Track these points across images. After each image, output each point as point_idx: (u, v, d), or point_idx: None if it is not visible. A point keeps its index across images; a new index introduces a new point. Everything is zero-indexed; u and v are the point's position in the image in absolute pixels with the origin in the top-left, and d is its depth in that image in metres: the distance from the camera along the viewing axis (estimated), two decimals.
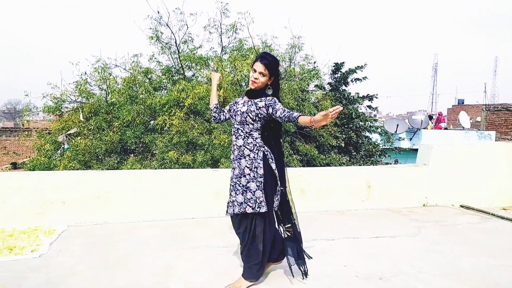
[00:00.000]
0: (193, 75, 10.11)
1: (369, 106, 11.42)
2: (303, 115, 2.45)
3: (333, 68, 11.03)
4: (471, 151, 5.51)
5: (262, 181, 2.61)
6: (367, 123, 10.79)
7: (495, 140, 13.71)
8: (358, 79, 11.02)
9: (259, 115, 2.62)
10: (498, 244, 3.73)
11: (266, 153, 2.66)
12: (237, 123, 2.69)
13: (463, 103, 36.22)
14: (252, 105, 2.64)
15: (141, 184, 4.33)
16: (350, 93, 10.93)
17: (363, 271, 3.03)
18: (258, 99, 2.66)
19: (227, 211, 2.74)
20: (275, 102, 2.61)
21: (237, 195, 2.64)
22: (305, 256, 2.83)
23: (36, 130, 11.33)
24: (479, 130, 15.15)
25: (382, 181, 5.10)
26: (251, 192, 2.60)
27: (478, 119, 25.02)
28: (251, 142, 2.65)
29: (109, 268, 3.00)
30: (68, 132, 8.92)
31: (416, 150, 12.90)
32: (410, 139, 13.13)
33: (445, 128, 16.80)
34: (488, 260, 3.28)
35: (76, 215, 4.09)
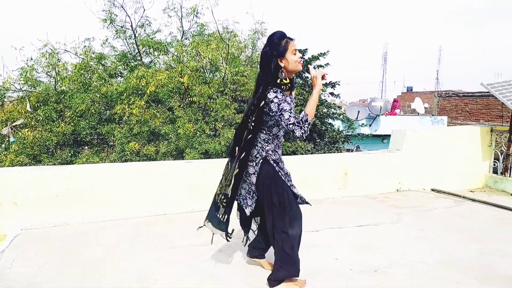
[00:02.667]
0: (151, 61, 9.52)
1: (332, 93, 11.45)
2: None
3: None
4: (440, 136, 5.58)
5: None
6: (330, 110, 10.81)
7: (447, 125, 14.37)
8: (320, 66, 10.98)
9: None
10: (481, 228, 3.75)
11: None
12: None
13: (412, 90, 37.89)
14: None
15: (105, 179, 3.90)
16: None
17: (356, 263, 2.89)
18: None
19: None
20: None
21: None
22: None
23: None
24: (432, 115, 15.82)
25: (358, 168, 5.02)
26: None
27: (426, 105, 26.25)
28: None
29: (77, 277, 2.61)
30: (14, 124, 8.07)
31: (376, 136, 13.24)
32: (370, 125, 13.41)
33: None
34: (477, 246, 3.26)
35: (30, 216, 3.60)
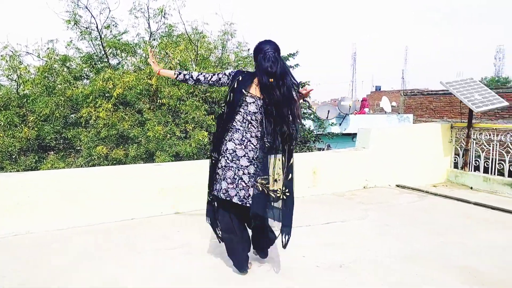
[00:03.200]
0: (118, 63, 9.34)
1: None
2: None
3: None
4: (404, 133, 5.79)
5: None
6: (301, 110, 10.95)
7: (413, 122, 14.87)
8: (290, 66, 11.10)
9: None
10: (443, 222, 3.92)
11: None
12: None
13: (380, 89, 38.91)
14: None
15: (69, 184, 3.80)
16: None
17: (323, 260, 2.96)
18: None
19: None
20: None
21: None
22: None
23: None
24: (398, 113, 16.34)
25: (326, 166, 5.12)
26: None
27: (393, 103, 27.01)
28: None
29: (39, 287, 2.54)
30: None
31: (346, 134, 13.51)
32: (340, 124, 13.68)
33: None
34: (437, 238, 3.41)
35: None
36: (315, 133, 10.98)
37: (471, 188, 5.44)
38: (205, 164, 4.04)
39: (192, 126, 7.67)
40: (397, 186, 5.56)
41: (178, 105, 7.80)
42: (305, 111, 11.12)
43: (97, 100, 7.62)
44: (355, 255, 3.05)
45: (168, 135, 7.31)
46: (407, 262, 2.91)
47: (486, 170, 5.51)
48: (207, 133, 7.36)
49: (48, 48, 8.42)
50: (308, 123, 11.69)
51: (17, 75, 8.14)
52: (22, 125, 7.61)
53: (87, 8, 8.48)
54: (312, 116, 11.58)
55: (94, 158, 7.17)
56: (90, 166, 6.88)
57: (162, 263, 2.90)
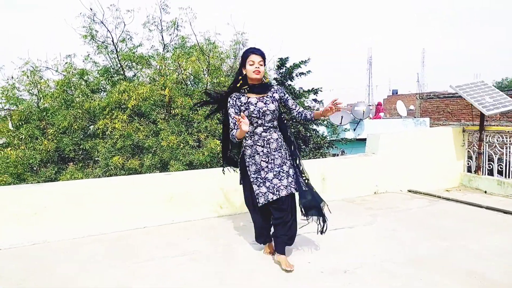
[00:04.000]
0: (134, 75, 9.62)
1: (315, 100, 11.63)
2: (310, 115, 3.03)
3: (278, 63, 11.07)
4: (414, 138, 5.75)
5: None
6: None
7: (430, 126, 14.66)
8: (302, 73, 11.17)
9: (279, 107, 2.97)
10: (451, 226, 3.89)
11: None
12: (267, 121, 2.91)
13: (397, 93, 38.42)
14: (274, 100, 2.93)
15: (85, 195, 3.95)
16: (295, 88, 11.05)
17: (327, 265, 2.99)
18: (271, 92, 2.96)
19: (266, 199, 2.85)
20: (283, 90, 3.03)
21: (282, 180, 2.86)
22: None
23: None
24: (415, 117, 16.13)
25: (335, 172, 5.14)
26: (291, 177, 2.91)
27: (411, 107, 26.65)
28: (280, 134, 3.00)
29: None
30: None
31: (360, 139, 13.44)
32: (354, 129, 13.62)
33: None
34: (445, 243, 3.39)
35: (9, 235, 3.63)
36: (328, 139, 10.96)
37: (485, 192, 5.36)
38: (215, 172, 4.14)
39: (205, 135, 7.81)
40: (409, 191, 5.52)
41: (191, 115, 7.97)
42: None
43: (113, 111, 7.87)
44: (360, 260, 3.07)
45: (182, 144, 7.47)
46: (412, 267, 2.91)
47: (500, 173, 5.42)
48: (219, 141, 7.48)
49: (66, 63, 8.79)
50: (321, 129, 11.70)
51: (37, 89, 8.49)
52: (42, 137, 7.91)
53: (102, 23, 8.81)
54: (325, 122, 11.57)
55: (111, 168, 7.39)
56: (107, 176, 7.08)
57: (170, 270, 2.99)
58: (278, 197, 2.84)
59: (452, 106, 15.34)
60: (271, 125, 2.94)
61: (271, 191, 2.85)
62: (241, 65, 2.92)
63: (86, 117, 8.33)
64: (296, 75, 11.11)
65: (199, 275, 2.89)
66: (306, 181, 3.03)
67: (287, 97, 3.02)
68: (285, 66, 11.12)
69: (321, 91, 11.36)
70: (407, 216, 4.31)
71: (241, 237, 3.69)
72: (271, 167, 2.89)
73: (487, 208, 4.44)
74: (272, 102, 2.91)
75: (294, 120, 10.04)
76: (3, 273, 3.03)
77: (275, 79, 11.14)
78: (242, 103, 2.90)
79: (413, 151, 5.62)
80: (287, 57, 11.12)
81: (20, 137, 7.86)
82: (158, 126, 7.83)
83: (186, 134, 7.74)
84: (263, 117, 2.89)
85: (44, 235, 3.75)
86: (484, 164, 5.57)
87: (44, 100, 8.36)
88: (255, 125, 2.91)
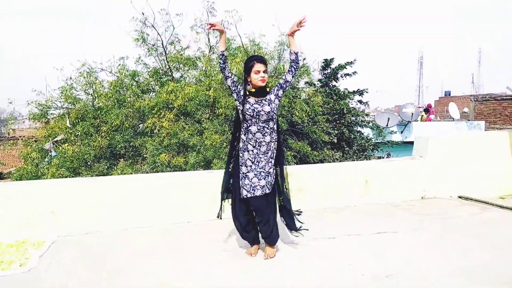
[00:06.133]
0: (181, 76, 9.95)
1: (360, 101, 11.38)
2: (291, 54, 3.14)
3: (323, 64, 10.96)
4: (466, 142, 5.46)
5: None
6: (358, 118, 10.75)
7: (485, 130, 13.82)
8: (348, 74, 10.98)
9: (277, 107, 3.07)
10: (502, 236, 3.66)
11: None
12: (262, 122, 3.02)
13: (450, 94, 36.47)
14: (271, 102, 3.04)
15: (134, 189, 4.17)
16: (340, 89, 10.88)
17: (369, 269, 2.94)
18: (268, 95, 3.07)
19: (242, 194, 3.04)
20: (278, 84, 3.12)
21: (260, 180, 3.02)
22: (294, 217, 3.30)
23: (22, 139, 11.04)
24: (468, 120, 15.26)
25: (379, 175, 5.01)
26: (271, 177, 3.09)
27: (466, 110, 25.20)
28: (274, 136, 3.10)
29: (103, 282, 2.85)
30: (55, 139, 8.68)
31: (408, 143, 12.95)
32: (401, 132, 13.15)
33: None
34: (495, 254, 3.20)
35: (66, 225, 3.91)
36: (373, 141, 10.68)
37: None
38: None
39: None
40: (459, 197, 5.25)
41: (234, 115, 8.10)
42: (363, 118, 10.89)
43: (161, 111, 8.20)
44: (403, 266, 2.98)
45: (225, 143, 7.62)
46: (457, 276, 2.78)
47: None
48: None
49: (119, 65, 9.28)
50: (366, 131, 11.43)
51: (92, 89, 9.04)
52: (96, 134, 8.40)
53: (153, 26, 9.20)
54: (370, 124, 11.29)
55: (158, 165, 7.70)
56: (154, 172, 7.40)
57: (212, 266, 3.08)
58: (252, 195, 3.02)
59: (511, 109, 14.33)
60: (266, 126, 3.04)
61: (246, 189, 3.04)
62: (245, 72, 3.06)
63: (136, 116, 8.74)
64: (341, 76, 10.94)
65: (240, 272, 2.95)
66: (285, 189, 3.22)
67: (276, 86, 3.13)
68: (330, 67, 10.99)
69: (366, 92, 11.10)
70: (456, 223, 4.11)
71: (280, 235, 3.71)
72: (254, 167, 3.06)
73: None
74: (269, 104, 3.03)
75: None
76: (62, 259, 3.28)
77: (319, 80, 11.04)
78: (241, 94, 3.07)
79: (465, 156, 5.34)
80: (332, 58, 10.99)
81: (76, 134, 8.41)
82: (203, 125, 8.05)
83: (229, 133, 7.89)
84: (257, 117, 3.01)
85: (97, 226, 4.00)
86: None
87: (98, 99, 8.88)
88: (249, 123, 3.04)
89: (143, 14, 9.15)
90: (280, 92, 3.10)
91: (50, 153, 8.48)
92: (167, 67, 9.54)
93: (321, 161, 8.74)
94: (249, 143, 3.06)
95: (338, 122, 10.20)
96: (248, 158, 3.06)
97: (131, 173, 7.76)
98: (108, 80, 9.26)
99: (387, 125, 12.05)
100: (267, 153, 3.06)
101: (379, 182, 4.99)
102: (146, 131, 8.39)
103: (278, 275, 2.88)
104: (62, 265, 3.14)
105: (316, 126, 9.15)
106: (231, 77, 3.05)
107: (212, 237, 3.75)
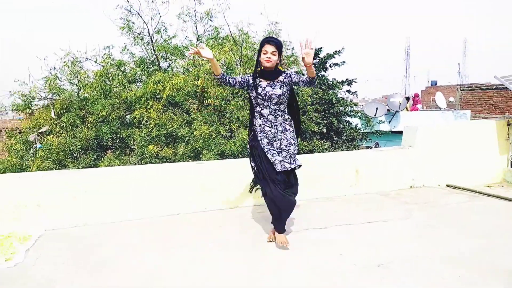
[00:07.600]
0: (168, 66, 9.79)
1: (348, 91, 11.40)
2: (305, 74, 3.00)
3: None
4: (454, 131, 5.52)
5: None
6: (347, 107, 10.78)
7: (471, 119, 14.02)
8: (336, 64, 10.97)
9: (288, 91, 3.16)
10: (491, 223, 3.72)
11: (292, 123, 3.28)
12: (273, 104, 3.12)
13: (436, 84, 36.83)
14: (283, 85, 3.11)
15: (122, 181, 4.09)
16: (328, 79, 10.87)
17: (360, 259, 2.94)
18: (281, 78, 3.11)
19: (282, 167, 3.12)
20: (292, 72, 3.15)
21: (286, 158, 3.15)
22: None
23: (5, 130, 10.79)
24: (455, 110, 15.45)
25: (369, 165, 5.03)
26: (294, 155, 3.22)
27: (451, 99, 25.49)
28: (288, 118, 3.22)
29: (90, 274, 2.79)
30: (40, 131, 8.49)
31: (396, 132, 13.07)
32: (389, 121, 13.25)
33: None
34: (484, 241, 3.25)
35: (53, 218, 3.82)
36: (362, 131, 10.74)
37: None
38: (247, 162, 4.17)
39: (237, 125, 7.86)
40: (447, 186, 5.31)
41: (223, 105, 8.03)
42: (350, 108, 10.92)
43: (148, 101, 8.07)
44: (394, 255, 3.00)
45: (214, 134, 7.56)
46: (447, 264, 2.81)
47: None
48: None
49: (104, 54, 9.05)
50: (355, 121, 11.48)
51: (77, 79, 8.82)
52: (82, 125, 8.24)
53: (139, 14, 8.99)
54: (358, 113, 11.33)
55: (146, 156, 7.61)
56: (143, 164, 7.30)
57: (201, 257, 3.05)
58: (294, 166, 3.18)
59: (496, 99, 14.54)
60: (277, 109, 3.14)
61: (286, 160, 3.14)
62: (258, 53, 3.13)
63: (123, 107, 8.59)
64: (330, 66, 10.92)
65: (229, 263, 2.93)
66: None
67: (291, 73, 3.14)
68: (318, 57, 10.95)
69: (355, 82, 11.13)
70: (445, 211, 4.16)
71: (271, 227, 3.69)
72: (278, 146, 3.16)
73: None
74: (280, 88, 3.10)
75: (325, 111, 9.90)
76: (49, 252, 3.20)
77: None
78: (250, 82, 3.13)
79: (453, 145, 5.39)
80: (321, 47, 10.95)
81: (62, 125, 8.23)
82: (191, 116, 7.96)
83: (218, 124, 7.82)
84: (269, 100, 3.10)
85: (85, 218, 3.92)
86: None
87: (84, 89, 8.68)
88: (261, 107, 3.14)
89: (128, 1, 8.93)
90: (294, 78, 3.09)
91: (35, 145, 8.30)
92: (154, 56, 9.37)
93: (311, 151, 8.75)
94: (265, 125, 3.16)
95: (327, 112, 10.20)
96: (269, 138, 3.16)
97: (119, 165, 7.65)
98: (94, 70, 9.03)
99: (375, 115, 12.13)
100: (286, 132, 3.18)
101: (369, 171, 5.01)
102: (133, 122, 8.26)
103: (269, 266, 2.86)
104: (49, 258, 3.08)
105: (305, 116, 9.13)
106: (237, 81, 3.12)
107: (201, 228, 3.72)
